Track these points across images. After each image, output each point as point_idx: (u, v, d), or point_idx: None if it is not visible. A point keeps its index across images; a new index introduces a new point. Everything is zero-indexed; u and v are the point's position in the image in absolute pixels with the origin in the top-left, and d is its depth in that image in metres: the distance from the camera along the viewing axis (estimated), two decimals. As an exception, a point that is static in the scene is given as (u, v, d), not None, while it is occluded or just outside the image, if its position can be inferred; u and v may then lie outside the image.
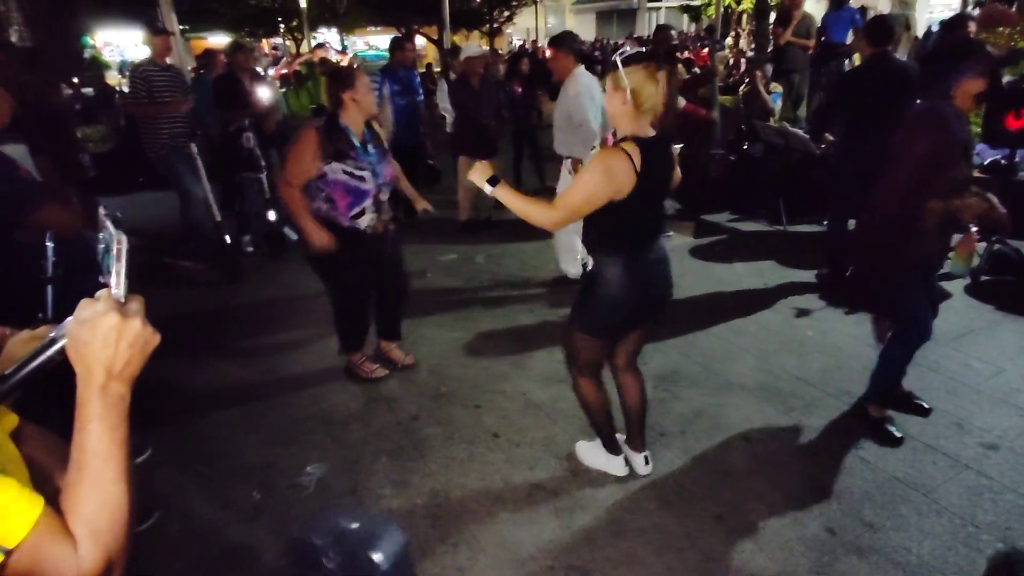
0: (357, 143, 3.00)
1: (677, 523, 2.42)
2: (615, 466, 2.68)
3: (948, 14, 8.17)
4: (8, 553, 0.70)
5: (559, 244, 4.49)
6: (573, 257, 4.18)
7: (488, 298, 4.55)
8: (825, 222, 5.58)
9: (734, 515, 2.45)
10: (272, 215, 5.43)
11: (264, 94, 5.65)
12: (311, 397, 3.36)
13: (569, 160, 4.20)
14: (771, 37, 8.79)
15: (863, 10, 16.52)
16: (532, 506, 2.53)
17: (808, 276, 4.58)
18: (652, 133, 2.14)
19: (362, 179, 3.00)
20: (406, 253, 5.36)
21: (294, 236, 5.80)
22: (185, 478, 2.77)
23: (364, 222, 3.09)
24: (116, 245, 0.78)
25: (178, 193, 4.92)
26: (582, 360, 2.50)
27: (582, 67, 4.15)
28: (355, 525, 1.62)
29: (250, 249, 5.55)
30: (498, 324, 4.10)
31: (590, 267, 2.32)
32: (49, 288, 1.12)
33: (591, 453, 2.77)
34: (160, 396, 3.25)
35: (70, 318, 0.79)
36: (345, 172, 2.96)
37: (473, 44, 6.82)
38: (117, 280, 0.79)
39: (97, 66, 15.70)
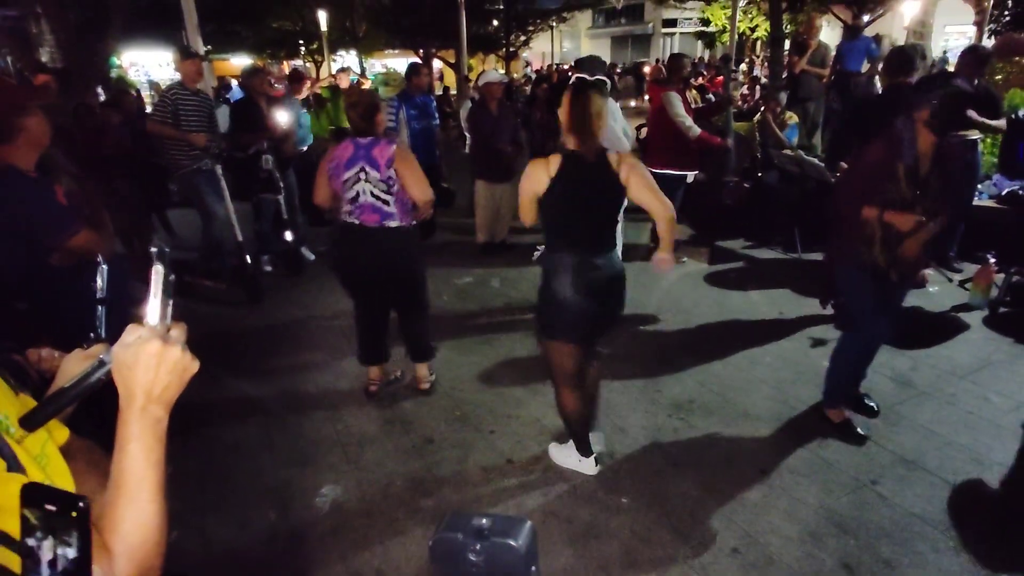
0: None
1: (692, 554, 2.41)
2: (586, 466, 2.87)
3: (964, 43, 8.21)
4: None
5: None
6: None
7: (503, 322, 4.58)
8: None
9: (750, 548, 2.43)
10: (289, 235, 5.52)
11: (282, 118, 5.78)
12: (327, 418, 3.39)
13: None
14: (786, 65, 8.86)
15: (878, 39, 16.61)
16: (546, 534, 2.52)
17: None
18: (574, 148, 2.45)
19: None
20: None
21: (311, 256, 5.90)
22: (204, 496, 2.80)
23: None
24: (156, 277, 0.82)
25: (200, 213, 5.02)
26: (556, 369, 2.69)
27: None
28: (487, 521, 1.84)
29: (269, 268, 5.63)
30: (513, 348, 4.13)
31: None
32: (101, 308, 1.17)
33: (563, 454, 2.95)
34: (181, 413, 3.30)
35: (117, 343, 0.83)
36: None
37: (492, 70, 6.94)
38: (161, 309, 0.83)
39: (124, 85, 16.05)
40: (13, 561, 0.71)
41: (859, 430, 3.07)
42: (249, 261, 5.01)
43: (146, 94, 17.28)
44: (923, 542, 2.43)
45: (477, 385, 3.69)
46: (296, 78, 7.06)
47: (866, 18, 15.37)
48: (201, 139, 4.74)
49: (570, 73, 5.03)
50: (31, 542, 0.66)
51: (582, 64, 4.30)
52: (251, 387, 3.72)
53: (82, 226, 2.04)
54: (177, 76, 5.10)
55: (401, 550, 2.46)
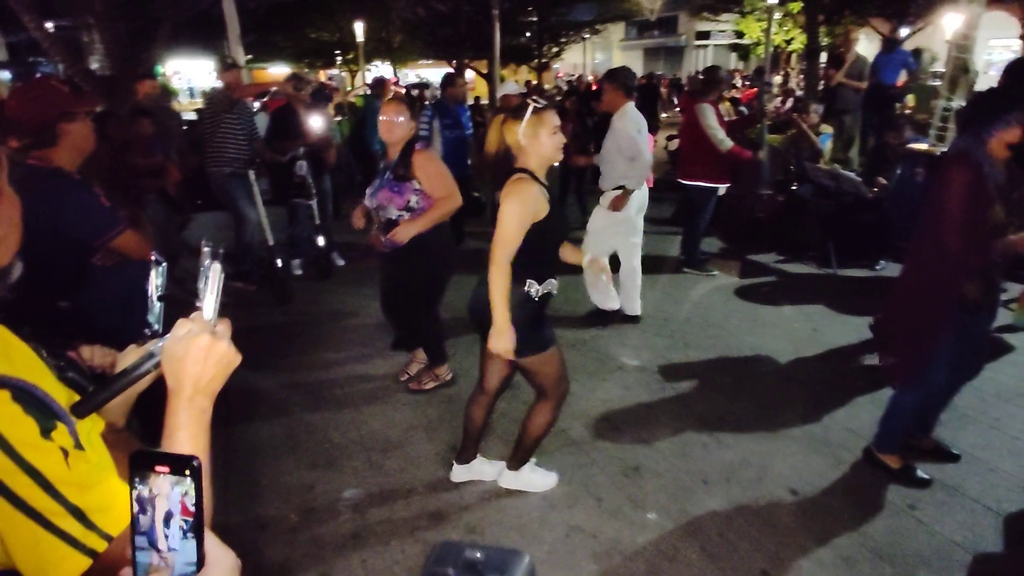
0: (381, 165, 3.40)
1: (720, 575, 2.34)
2: (553, 479, 2.85)
3: (1008, 57, 7.97)
4: (111, 539, 0.76)
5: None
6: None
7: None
8: (878, 267, 5.45)
9: (780, 571, 2.35)
10: (321, 240, 5.59)
11: (317, 124, 5.87)
12: (352, 422, 3.40)
13: (610, 193, 4.26)
14: (822, 78, 8.72)
15: (917, 52, 16.22)
16: (569, 549, 2.48)
17: (859, 323, 4.44)
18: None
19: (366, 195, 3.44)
20: (449, 286, 5.48)
21: (341, 261, 5.97)
22: (228, 493, 2.82)
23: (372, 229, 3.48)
24: (212, 275, 0.86)
25: (234, 216, 5.12)
26: (557, 375, 2.60)
27: (631, 103, 4.20)
28: (480, 554, 1.67)
29: (299, 272, 5.71)
30: (539, 358, 4.08)
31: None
32: (160, 304, 1.20)
33: (529, 476, 2.82)
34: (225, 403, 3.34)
35: (167, 335, 0.87)
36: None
37: (510, 82, 6.96)
38: (208, 305, 0.87)
39: (168, 93, 16.55)
40: (88, 536, 0.75)
41: (921, 474, 2.82)
42: (280, 264, 5.09)
43: (186, 101, 17.78)
44: (964, 572, 2.32)
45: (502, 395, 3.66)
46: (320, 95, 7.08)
47: (905, 31, 15.05)
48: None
49: (597, 85, 5.00)
50: (145, 506, 0.68)
51: (612, 75, 4.29)
52: (277, 388, 3.76)
53: (126, 227, 2.09)
54: (218, 85, 5.24)
55: (422, 559, 2.44)
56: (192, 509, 0.69)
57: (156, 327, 1.23)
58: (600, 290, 2.52)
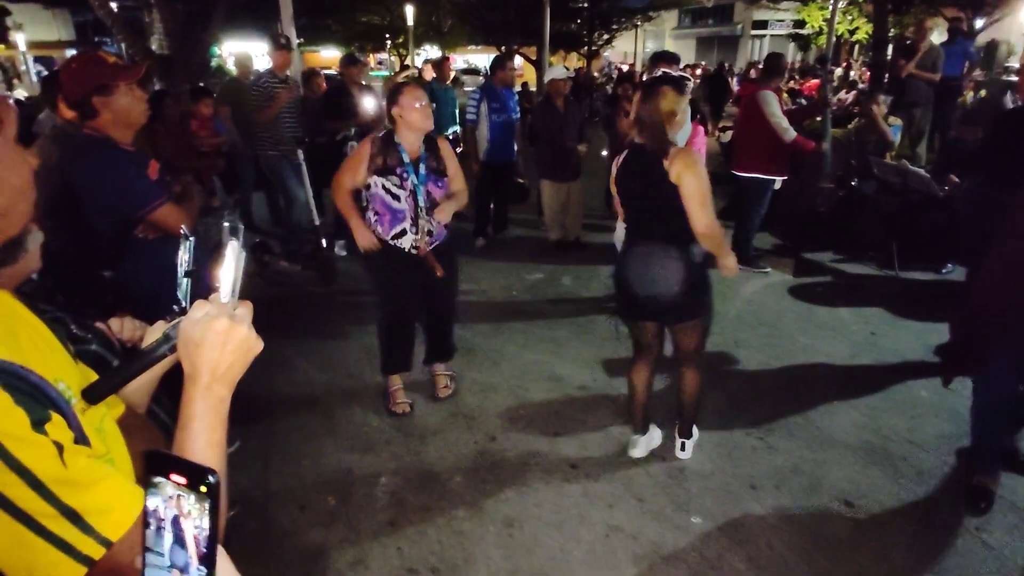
0: (407, 160, 2.89)
1: (767, 588, 2.23)
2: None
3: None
4: (110, 545, 0.69)
5: None
6: None
7: (573, 322, 4.45)
8: (944, 271, 5.15)
9: (833, 588, 2.22)
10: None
11: (370, 104, 5.87)
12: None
13: None
14: (888, 69, 8.28)
15: (993, 45, 15.27)
16: (609, 550, 2.40)
17: (921, 329, 4.19)
18: (637, 141, 2.53)
19: (397, 198, 2.90)
20: (493, 270, 5.43)
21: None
22: (268, 475, 2.84)
23: (405, 243, 2.98)
24: (231, 252, 0.79)
25: (283, 196, 5.16)
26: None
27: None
28: None
29: (343, 253, 5.74)
30: (582, 350, 4.00)
31: None
32: (187, 280, 1.17)
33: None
34: (251, 391, 3.38)
35: (183, 318, 0.81)
36: (384, 188, 2.89)
37: (559, 66, 6.79)
38: (229, 287, 0.80)
39: (222, 74, 16.96)
40: (83, 541, 0.68)
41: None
42: (325, 245, 5.11)
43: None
44: (1039, 604, 2.15)
45: (543, 385, 3.59)
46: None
47: (981, 22, 14.19)
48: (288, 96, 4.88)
49: (647, 72, 4.83)
50: (159, 515, 0.63)
51: (660, 58, 4.12)
52: (317, 371, 3.77)
53: (165, 201, 2.08)
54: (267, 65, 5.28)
55: (459, 550, 2.40)
56: (204, 528, 0.63)
57: (184, 304, 1.20)
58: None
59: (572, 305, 4.75)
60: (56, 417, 0.72)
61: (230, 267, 0.79)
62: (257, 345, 0.81)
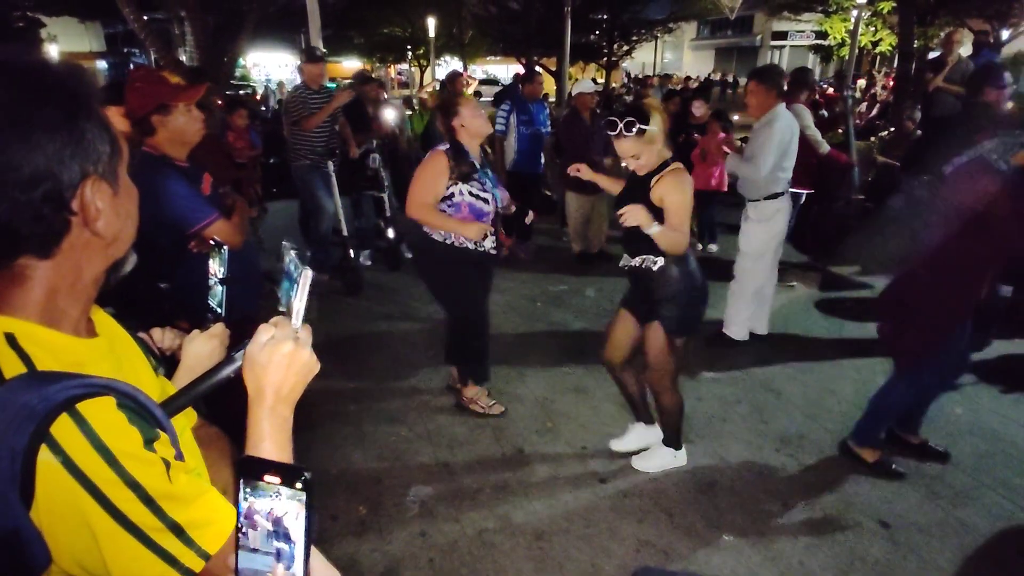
0: (478, 165, 3.03)
1: (802, 608, 2.20)
2: (682, 457, 2.96)
3: None
4: (208, 558, 0.73)
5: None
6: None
7: (598, 333, 4.42)
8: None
9: (870, 610, 2.19)
10: (391, 232, 5.66)
11: (389, 115, 5.95)
12: (420, 416, 3.40)
13: (764, 204, 3.94)
14: (915, 81, 8.21)
15: (1021, 56, 15.06)
16: (639, 564, 2.38)
17: (955, 345, 4.13)
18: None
19: (486, 200, 3.02)
20: (517, 280, 5.45)
21: (409, 254, 6.02)
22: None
23: (488, 244, 3.09)
24: (300, 279, 0.82)
25: (311, 207, 5.23)
26: (672, 364, 2.77)
27: (783, 105, 3.83)
28: None
29: (368, 263, 5.79)
30: (607, 362, 3.98)
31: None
32: (223, 288, 1.20)
33: (655, 458, 2.95)
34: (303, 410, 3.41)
35: (249, 341, 0.84)
36: (471, 194, 2.98)
37: (586, 80, 6.82)
38: (297, 311, 0.83)
39: (246, 83, 17.26)
40: (186, 554, 0.72)
41: (897, 468, 2.90)
42: (352, 255, 5.17)
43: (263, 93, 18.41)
44: (1085, 631, 2.10)
45: (570, 397, 3.59)
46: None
47: (1007, 34, 14.00)
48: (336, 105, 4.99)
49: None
50: (253, 515, 0.67)
51: (765, 74, 3.85)
52: (345, 380, 3.80)
53: (217, 218, 2.13)
54: (295, 76, 5.36)
55: (490, 563, 2.40)
56: (301, 524, 0.67)
57: (219, 311, 1.23)
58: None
59: (596, 317, 4.74)
60: (163, 435, 0.75)
61: (302, 294, 0.82)
62: (316, 367, 0.85)
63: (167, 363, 1.34)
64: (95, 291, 0.82)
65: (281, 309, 0.86)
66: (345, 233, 5.15)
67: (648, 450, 2.97)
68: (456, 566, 2.38)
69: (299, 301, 0.82)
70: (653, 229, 2.42)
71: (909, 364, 2.80)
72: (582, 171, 3.05)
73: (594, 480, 2.88)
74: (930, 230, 2.79)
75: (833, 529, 2.57)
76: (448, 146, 3.00)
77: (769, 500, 2.74)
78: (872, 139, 9.63)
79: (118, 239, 0.81)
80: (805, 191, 5.12)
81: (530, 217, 3.40)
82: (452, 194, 2.97)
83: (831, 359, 4.02)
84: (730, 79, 29.40)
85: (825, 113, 11.04)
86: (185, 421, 0.94)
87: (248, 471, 0.67)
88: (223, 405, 1.09)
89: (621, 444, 3.05)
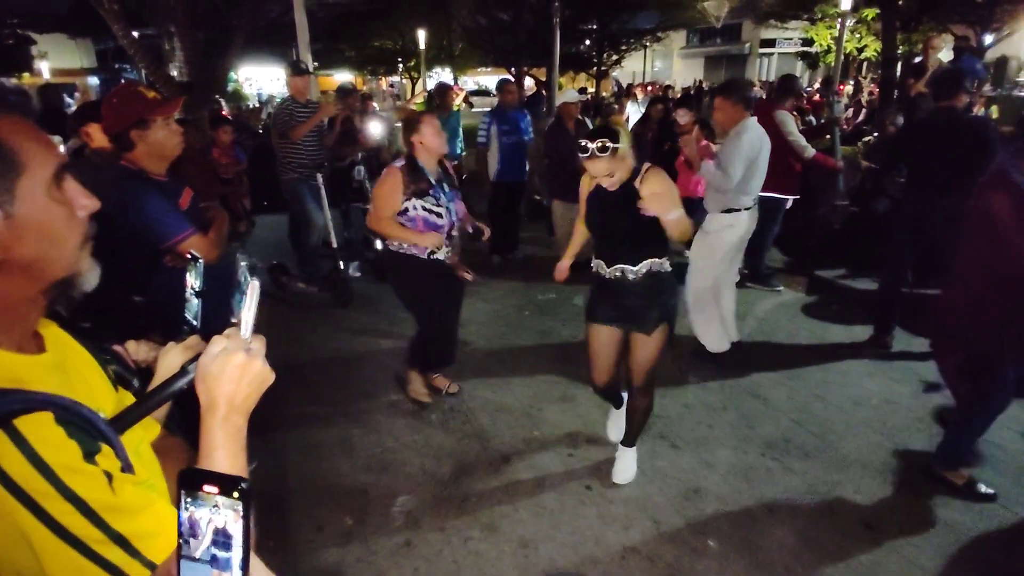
0: (433, 181, 3.16)
1: (787, 612, 2.21)
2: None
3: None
4: (154, 568, 0.73)
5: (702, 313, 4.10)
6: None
7: (585, 342, 4.45)
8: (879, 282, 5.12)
9: (854, 612, 2.20)
10: (379, 244, 5.66)
11: (375, 129, 6.00)
12: (407, 427, 3.40)
13: (718, 217, 3.94)
14: (898, 87, 8.31)
15: (1003, 61, 15.26)
16: (625, 571, 2.39)
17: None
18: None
19: (439, 215, 3.17)
20: (504, 289, 5.47)
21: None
22: (284, 495, 2.86)
23: (442, 255, 3.26)
24: (249, 290, 0.83)
25: (301, 219, 5.24)
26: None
27: (754, 119, 3.83)
28: None
29: (357, 275, 5.80)
30: (595, 370, 4.00)
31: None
32: (199, 301, 1.21)
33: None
34: (267, 411, 3.41)
35: (201, 353, 0.85)
36: (425, 208, 3.13)
37: (571, 90, 6.91)
38: (246, 322, 0.84)
39: (238, 98, 17.29)
40: (130, 564, 0.72)
41: (985, 489, 2.76)
42: (341, 267, 5.18)
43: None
44: (1066, 629, 2.11)
45: (557, 405, 3.60)
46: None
47: (990, 38, 14.20)
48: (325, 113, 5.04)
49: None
50: (195, 525, 0.69)
51: (732, 88, 3.94)
52: (333, 390, 3.80)
53: (192, 233, 2.13)
54: (285, 91, 5.40)
55: (475, 571, 2.40)
56: (239, 532, 0.68)
57: (195, 323, 1.24)
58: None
59: (583, 325, 4.74)
60: (105, 448, 0.76)
61: (251, 304, 0.83)
62: (270, 377, 0.86)
63: (142, 375, 1.35)
64: (36, 309, 0.82)
65: (233, 320, 0.87)
66: (335, 245, 5.17)
67: (619, 463, 2.94)
68: (441, 575, 2.38)
69: (248, 312, 0.83)
70: (674, 214, 2.42)
71: (976, 394, 2.73)
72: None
73: (580, 488, 2.88)
74: (962, 246, 2.77)
75: (818, 533, 2.58)
76: (404, 162, 3.14)
77: (755, 505, 2.75)
78: (859, 144, 9.73)
79: (41, 259, 0.79)
80: (791, 197, 5.16)
81: (486, 235, 3.47)
82: (407, 208, 3.12)
83: (818, 364, 4.05)
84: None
85: (812, 120, 11.18)
86: (143, 433, 0.94)
87: (188, 482, 0.68)
88: (197, 415, 1.10)
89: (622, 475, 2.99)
